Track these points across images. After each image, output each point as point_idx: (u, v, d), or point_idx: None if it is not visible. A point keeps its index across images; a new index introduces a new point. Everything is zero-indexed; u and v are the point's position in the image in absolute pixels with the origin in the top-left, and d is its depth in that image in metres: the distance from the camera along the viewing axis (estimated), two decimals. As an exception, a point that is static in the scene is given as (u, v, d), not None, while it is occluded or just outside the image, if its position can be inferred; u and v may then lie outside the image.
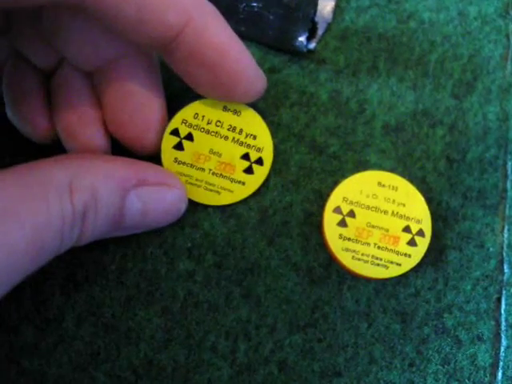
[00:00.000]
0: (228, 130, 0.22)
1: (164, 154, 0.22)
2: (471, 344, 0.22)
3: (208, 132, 0.22)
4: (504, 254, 0.23)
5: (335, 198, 0.22)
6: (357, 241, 0.22)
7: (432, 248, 0.23)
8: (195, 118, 0.22)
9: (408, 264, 0.22)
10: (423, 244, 0.22)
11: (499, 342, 0.22)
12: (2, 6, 0.16)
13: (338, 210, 0.22)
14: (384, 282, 0.22)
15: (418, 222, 0.22)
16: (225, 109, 0.22)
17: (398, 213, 0.22)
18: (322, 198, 0.23)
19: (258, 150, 0.22)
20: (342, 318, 0.22)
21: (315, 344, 0.22)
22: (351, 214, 0.22)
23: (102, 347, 0.22)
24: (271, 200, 0.23)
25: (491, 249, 0.23)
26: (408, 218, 0.22)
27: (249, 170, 0.22)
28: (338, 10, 0.25)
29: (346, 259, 0.22)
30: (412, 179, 0.23)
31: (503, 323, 0.22)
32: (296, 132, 0.24)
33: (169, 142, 0.22)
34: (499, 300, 0.23)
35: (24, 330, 0.22)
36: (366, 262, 0.22)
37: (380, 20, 0.25)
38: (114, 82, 0.21)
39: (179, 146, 0.22)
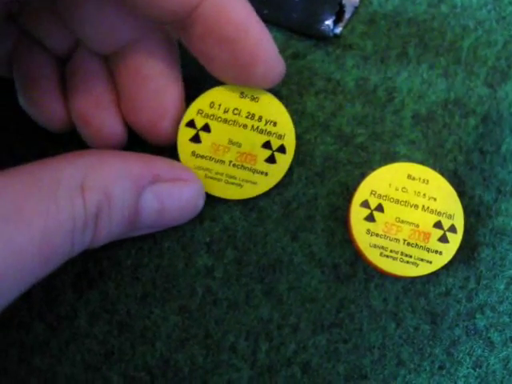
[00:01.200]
0: (246, 117, 0.21)
1: (181, 148, 0.21)
2: (504, 346, 0.21)
3: (226, 121, 0.21)
4: (539, 252, 0.22)
5: (362, 191, 0.21)
6: (385, 236, 0.21)
7: (464, 245, 0.21)
8: (211, 108, 0.21)
9: (439, 261, 0.21)
10: (455, 241, 0.21)
11: (533, 344, 0.21)
12: None
13: (365, 203, 0.21)
14: (413, 280, 0.21)
15: (450, 217, 0.21)
16: (242, 95, 0.21)
17: (428, 207, 0.21)
18: (349, 191, 0.22)
19: (280, 137, 0.21)
20: (369, 318, 0.21)
21: (340, 345, 0.21)
22: (379, 208, 0.21)
23: (115, 346, 0.21)
24: (295, 193, 0.22)
25: (526, 246, 0.22)
26: (439, 213, 0.21)
27: (271, 159, 0.21)
28: (365, -8, 0.24)
29: (373, 256, 0.21)
30: (443, 172, 0.22)
31: (538, 325, 0.21)
32: (321, 121, 0.22)
33: (185, 134, 0.21)
34: (533, 300, 0.22)
35: (35, 327, 0.21)
36: (395, 259, 0.20)
37: (410, 4, 0.24)
38: (130, 66, 0.20)
39: (196, 139, 0.21)
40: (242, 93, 0.21)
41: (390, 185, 0.21)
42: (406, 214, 0.21)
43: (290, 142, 0.21)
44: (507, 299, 0.21)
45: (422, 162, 0.22)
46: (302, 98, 0.23)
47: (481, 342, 0.21)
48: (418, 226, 0.21)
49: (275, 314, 0.21)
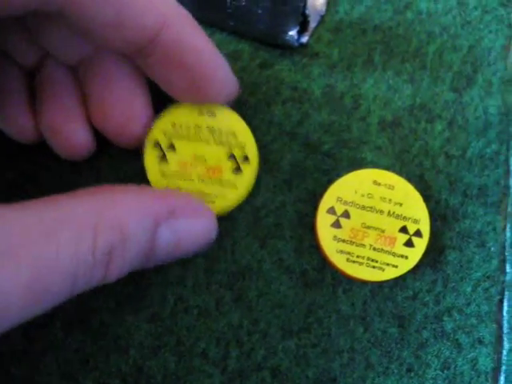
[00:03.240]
0: (207, 132, 0.21)
1: (149, 170, 0.21)
2: (472, 348, 0.22)
3: (188, 138, 0.21)
4: (506, 254, 0.22)
5: (329, 199, 0.21)
6: (351, 242, 0.21)
7: (431, 248, 0.22)
8: (173, 127, 0.21)
9: (405, 266, 0.21)
10: (421, 245, 0.21)
11: (501, 345, 0.22)
12: None
13: (331, 210, 0.21)
14: (380, 284, 0.22)
15: (416, 222, 0.21)
16: (200, 113, 0.21)
17: (394, 213, 0.21)
18: (316, 198, 0.22)
19: (242, 147, 0.21)
20: (337, 323, 0.22)
21: (309, 349, 0.21)
22: (345, 214, 0.21)
23: (90, 355, 0.21)
24: (263, 201, 0.22)
25: (493, 248, 0.22)
26: (405, 218, 0.21)
27: (238, 169, 0.21)
28: (331, 1, 0.24)
29: (340, 261, 0.21)
30: (410, 177, 0.22)
31: (505, 326, 0.22)
32: (288, 130, 0.23)
33: (152, 155, 0.21)
34: (501, 301, 0.22)
35: (12, 336, 0.22)
36: (361, 264, 0.21)
37: (375, 11, 0.24)
38: (97, 73, 0.21)
39: (163, 158, 0.21)
40: (199, 110, 0.21)
41: (355, 191, 0.21)
42: (372, 219, 0.21)
43: (253, 151, 0.21)
44: (474, 301, 0.22)
45: (388, 168, 0.23)
46: (269, 108, 0.23)
47: (448, 344, 0.22)
48: (383, 231, 0.21)
49: (245, 320, 0.22)
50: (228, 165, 0.21)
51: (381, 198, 0.21)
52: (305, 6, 0.22)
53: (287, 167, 0.23)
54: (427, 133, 0.23)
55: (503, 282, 0.22)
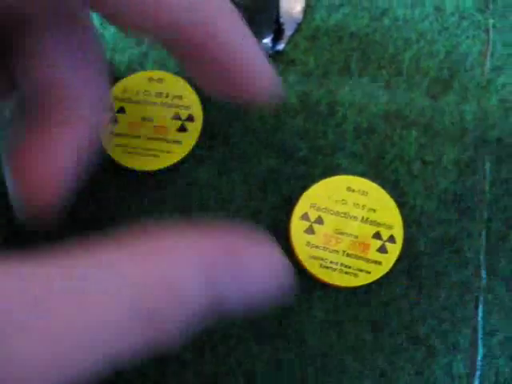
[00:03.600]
0: (155, 96, 0.23)
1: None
2: (446, 353, 0.22)
3: (138, 102, 0.23)
4: (481, 259, 0.22)
5: (302, 205, 0.22)
6: (325, 248, 0.21)
7: (405, 254, 0.22)
8: (125, 92, 0.23)
9: (378, 272, 0.21)
10: (394, 251, 0.21)
11: (476, 350, 0.22)
12: None
13: (305, 216, 0.21)
14: (355, 290, 0.22)
15: (389, 228, 0.21)
16: (150, 80, 0.23)
17: (368, 219, 0.21)
18: (291, 204, 0.22)
19: (187, 108, 0.23)
20: (312, 328, 0.22)
21: (283, 354, 0.22)
22: (319, 220, 0.21)
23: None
24: (237, 207, 0.23)
25: (468, 254, 0.22)
26: (378, 224, 0.21)
27: (182, 129, 0.23)
28: (308, 9, 0.25)
29: (313, 267, 0.21)
30: (384, 183, 0.23)
31: (480, 331, 0.22)
32: (264, 136, 0.23)
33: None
34: (476, 307, 0.22)
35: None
36: (335, 270, 0.21)
37: (352, 18, 0.24)
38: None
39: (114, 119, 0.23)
40: (150, 78, 0.23)
41: (329, 197, 0.22)
42: (345, 225, 0.21)
43: (198, 112, 0.23)
44: (449, 307, 0.22)
45: (363, 174, 0.23)
46: (245, 115, 0.23)
47: (423, 349, 0.22)
48: (357, 237, 0.21)
49: (220, 324, 0.22)
50: (173, 124, 0.23)
51: (354, 204, 0.22)
52: (278, 14, 0.22)
53: (262, 174, 0.23)
54: (402, 139, 0.23)
55: (478, 287, 0.22)
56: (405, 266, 0.22)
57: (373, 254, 0.21)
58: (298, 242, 0.21)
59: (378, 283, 0.22)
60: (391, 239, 0.21)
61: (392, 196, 0.22)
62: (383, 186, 0.22)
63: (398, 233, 0.21)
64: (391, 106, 0.24)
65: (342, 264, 0.21)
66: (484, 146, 0.23)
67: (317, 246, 0.21)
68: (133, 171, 0.22)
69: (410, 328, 0.22)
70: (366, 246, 0.21)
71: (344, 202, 0.22)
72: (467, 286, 0.22)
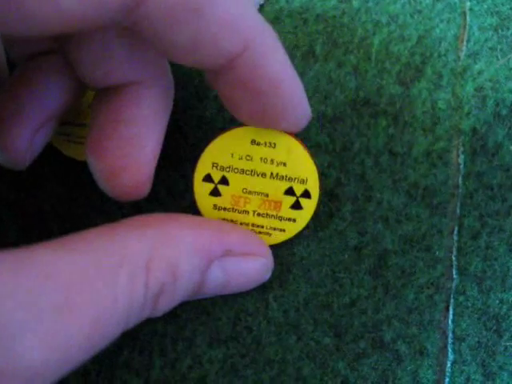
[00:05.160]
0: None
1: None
2: (412, 359, 0.20)
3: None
4: (453, 259, 0.21)
5: (203, 165, 0.20)
6: (233, 209, 0.20)
7: (370, 253, 0.21)
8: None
9: (293, 229, 0.20)
10: (310, 206, 0.20)
11: (445, 356, 0.21)
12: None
13: (208, 177, 0.20)
14: (316, 291, 0.21)
15: (303, 182, 0.20)
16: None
17: (278, 174, 0.20)
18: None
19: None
20: (268, 331, 0.20)
21: (237, 359, 0.20)
22: (224, 180, 0.20)
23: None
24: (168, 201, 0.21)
25: (438, 253, 0.21)
26: (290, 179, 0.20)
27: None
28: (272, -11, 0.23)
29: None
30: (350, 176, 0.21)
31: (450, 335, 0.21)
32: (220, 126, 0.22)
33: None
34: (447, 309, 0.21)
35: None
36: None
37: (318, -1, 0.23)
38: (113, 105, 0.18)
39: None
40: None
41: (232, 154, 0.20)
42: (254, 183, 0.20)
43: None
44: (416, 309, 0.21)
45: (328, 166, 0.21)
46: (201, 103, 0.22)
47: (387, 354, 0.21)
48: (267, 195, 0.20)
49: (169, 327, 0.21)
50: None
51: (261, 158, 0.20)
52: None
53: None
54: (370, 129, 0.22)
55: (449, 288, 0.21)
56: (370, 266, 0.21)
57: (286, 212, 0.20)
58: (203, 206, 0.20)
59: (340, 284, 0.21)
60: (306, 194, 0.20)
61: (358, 190, 0.21)
62: (348, 179, 0.21)
63: (314, 186, 0.20)
64: (359, 94, 0.22)
65: (253, 224, 0.20)
66: (458, 136, 0.22)
67: (225, 209, 0.20)
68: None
69: (375, 332, 0.21)
70: (277, 204, 0.20)
71: (249, 157, 0.20)
72: (437, 287, 0.21)
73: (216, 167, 0.20)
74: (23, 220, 0.22)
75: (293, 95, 0.18)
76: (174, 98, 0.20)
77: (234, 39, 0.16)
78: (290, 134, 0.19)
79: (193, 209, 0.21)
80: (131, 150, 0.18)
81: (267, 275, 0.20)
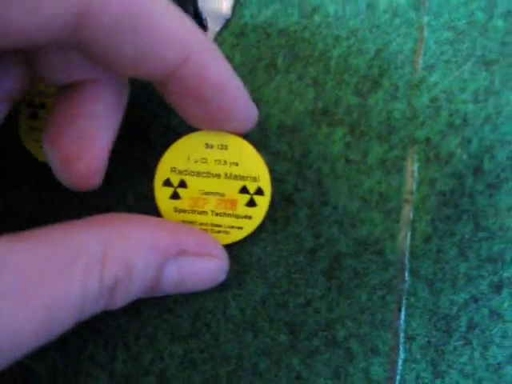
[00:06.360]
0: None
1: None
2: (364, 357, 0.22)
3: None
4: (406, 262, 0.22)
5: (163, 170, 0.21)
6: (192, 211, 0.21)
7: (326, 255, 0.22)
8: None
9: (250, 226, 0.21)
10: (264, 203, 0.21)
11: (396, 354, 0.22)
12: None
13: (167, 182, 0.21)
14: (272, 291, 0.22)
15: (255, 180, 0.21)
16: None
17: (231, 174, 0.21)
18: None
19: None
20: (226, 328, 0.22)
21: (197, 355, 0.22)
22: (182, 184, 0.21)
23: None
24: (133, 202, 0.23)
25: (390, 256, 0.22)
26: (243, 178, 0.21)
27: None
28: (238, 5, 0.25)
29: None
30: (307, 182, 0.22)
31: (402, 335, 0.22)
32: (185, 134, 0.23)
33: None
34: (399, 310, 0.22)
35: None
36: (206, 231, 0.21)
37: (282, 15, 0.24)
38: (70, 100, 0.20)
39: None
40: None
41: (188, 158, 0.21)
42: (210, 185, 0.21)
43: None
44: (369, 309, 0.22)
45: (286, 172, 0.23)
46: (167, 113, 0.23)
47: (340, 352, 0.22)
48: (223, 194, 0.21)
49: (133, 324, 0.22)
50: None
51: (215, 160, 0.21)
52: (197, 10, 0.22)
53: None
54: (328, 137, 0.23)
55: (401, 290, 0.22)
56: (325, 267, 0.22)
57: (242, 210, 0.21)
58: (164, 210, 0.21)
59: (296, 284, 0.22)
60: (259, 191, 0.21)
61: (314, 195, 0.22)
62: (305, 185, 0.22)
63: (265, 184, 0.21)
64: (317, 104, 0.23)
65: (212, 224, 0.21)
66: (412, 145, 0.23)
67: (184, 211, 0.21)
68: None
69: (328, 330, 0.22)
70: (233, 202, 0.21)
71: (204, 160, 0.21)
72: (389, 289, 0.22)
73: (174, 171, 0.21)
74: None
75: (237, 98, 0.19)
76: (142, 109, 0.21)
77: (174, 52, 0.17)
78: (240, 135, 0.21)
79: (158, 212, 0.22)
80: (86, 141, 0.20)
81: (222, 276, 0.21)
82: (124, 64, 0.17)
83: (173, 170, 0.21)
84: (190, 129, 0.22)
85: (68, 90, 0.20)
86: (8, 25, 0.14)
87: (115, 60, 0.17)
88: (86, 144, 0.20)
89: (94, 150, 0.20)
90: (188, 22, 0.18)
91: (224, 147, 0.21)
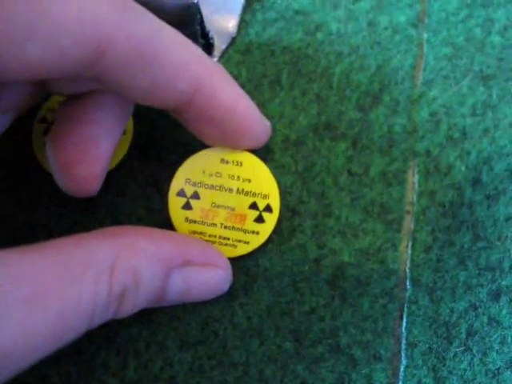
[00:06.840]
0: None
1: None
2: (367, 363, 0.22)
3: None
4: (407, 271, 0.23)
5: (177, 181, 0.22)
6: (203, 222, 0.22)
7: (329, 265, 0.23)
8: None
9: (256, 241, 0.22)
10: (271, 220, 0.22)
11: (399, 361, 0.22)
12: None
13: (181, 192, 0.22)
14: (278, 299, 0.23)
15: (265, 197, 0.22)
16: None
17: (243, 190, 0.22)
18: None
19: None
20: (233, 336, 0.23)
21: (205, 361, 0.22)
22: (195, 195, 0.22)
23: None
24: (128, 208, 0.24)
25: (391, 265, 0.23)
26: (254, 194, 0.22)
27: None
28: (243, 23, 0.26)
29: None
30: (311, 194, 0.23)
31: (403, 341, 0.22)
32: (192, 149, 0.24)
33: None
34: (401, 318, 0.23)
35: None
36: (214, 242, 0.22)
37: (286, 33, 0.25)
38: (74, 109, 0.21)
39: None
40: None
41: (203, 171, 0.22)
42: (222, 198, 0.22)
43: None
44: (371, 317, 0.23)
45: (290, 185, 0.24)
46: (178, 129, 0.24)
47: (344, 359, 0.22)
48: (233, 209, 0.22)
49: (144, 332, 0.23)
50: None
51: (229, 175, 0.22)
52: (204, 30, 0.23)
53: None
54: (331, 151, 0.24)
55: (402, 298, 0.23)
56: (328, 276, 0.23)
57: (250, 225, 0.22)
58: (176, 219, 0.22)
59: (301, 293, 0.23)
60: (268, 209, 0.22)
61: (318, 207, 0.23)
62: (309, 197, 0.23)
63: (274, 202, 0.22)
64: (321, 119, 0.24)
65: (220, 236, 0.22)
66: (413, 158, 0.24)
67: (195, 221, 0.22)
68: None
69: (332, 337, 0.23)
70: (242, 217, 0.22)
71: (219, 174, 0.22)
72: (391, 297, 0.23)
73: (189, 183, 0.22)
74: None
75: (248, 117, 0.21)
76: (152, 125, 0.23)
77: (187, 80, 0.19)
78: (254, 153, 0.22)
79: (168, 224, 0.23)
80: (87, 146, 0.20)
81: (226, 286, 0.22)
82: (136, 95, 0.19)
83: (187, 181, 0.22)
84: (200, 144, 0.23)
85: (74, 97, 0.21)
86: (25, 61, 0.15)
87: (128, 91, 0.18)
88: (86, 149, 0.20)
89: (94, 155, 0.21)
90: (196, 50, 0.19)
91: (239, 164, 0.22)
